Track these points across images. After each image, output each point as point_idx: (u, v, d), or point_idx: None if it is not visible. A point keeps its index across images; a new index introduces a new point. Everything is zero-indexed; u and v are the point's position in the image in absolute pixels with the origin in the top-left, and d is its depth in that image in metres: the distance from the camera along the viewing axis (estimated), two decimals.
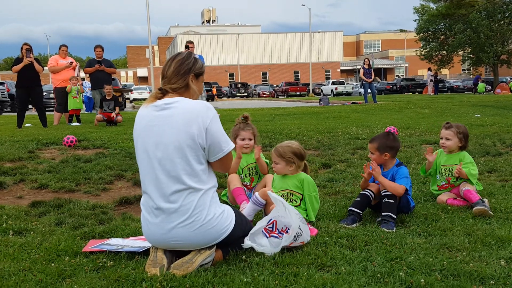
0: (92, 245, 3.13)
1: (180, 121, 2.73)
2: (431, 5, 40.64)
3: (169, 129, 2.75)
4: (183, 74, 2.88)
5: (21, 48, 11.21)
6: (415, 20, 50.31)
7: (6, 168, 6.02)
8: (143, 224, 2.88)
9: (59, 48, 12.99)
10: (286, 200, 3.53)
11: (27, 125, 12.22)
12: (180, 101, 2.80)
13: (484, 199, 4.05)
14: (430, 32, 50.29)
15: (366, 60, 21.47)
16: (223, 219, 2.86)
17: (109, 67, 12.73)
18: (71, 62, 12.77)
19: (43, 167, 6.23)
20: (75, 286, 2.49)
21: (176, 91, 2.87)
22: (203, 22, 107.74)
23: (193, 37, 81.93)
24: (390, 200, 3.64)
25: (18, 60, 11.22)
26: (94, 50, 12.88)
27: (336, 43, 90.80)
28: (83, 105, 19.86)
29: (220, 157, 2.84)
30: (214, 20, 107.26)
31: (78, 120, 13.03)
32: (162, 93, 2.87)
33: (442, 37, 50.36)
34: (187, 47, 12.05)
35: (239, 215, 3.04)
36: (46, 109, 19.92)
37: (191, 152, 2.74)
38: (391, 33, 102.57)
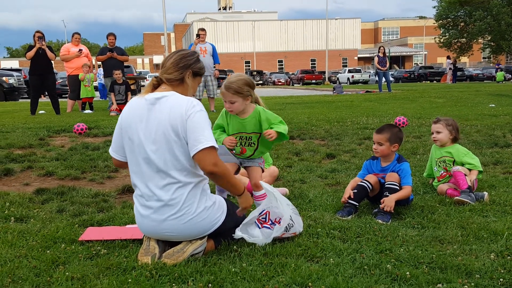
0: (89, 233, 3.20)
1: (167, 116, 2.75)
2: None
3: (156, 125, 2.77)
4: (182, 67, 2.91)
5: (34, 35, 11.37)
6: (434, 7, 49.55)
7: (16, 155, 6.14)
8: (136, 216, 2.93)
9: (72, 36, 13.10)
10: (245, 145, 3.55)
11: (40, 112, 12.39)
12: (170, 95, 2.83)
13: (484, 192, 4.05)
14: (449, 19, 49.44)
15: (381, 48, 21.25)
16: (214, 211, 2.90)
17: (121, 55, 12.80)
18: (80, 50, 12.85)
19: (51, 154, 6.34)
20: (67, 273, 2.56)
21: (170, 82, 2.90)
22: (220, 9, 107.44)
23: (209, 24, 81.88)
24: (390, 195, 3.64)
25: (31, 47, 11.38)
26: (107, 38, 12.98)
27: (354, 30, 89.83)
28: (98, 92, 20.06)
29: (197, 150, 2.69)
30: (231, 7, 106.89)
31: (91, 108, 13.17)
32: (157, 81, 2.92)
33: (462, 24, 49.49)
34: (197, 35, 12.03)
35: (231, 206, 3.08)
36: (62, 95, 20.25)
37: (177, 146, 2.76)
38: (410, 20, 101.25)
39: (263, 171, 3.86)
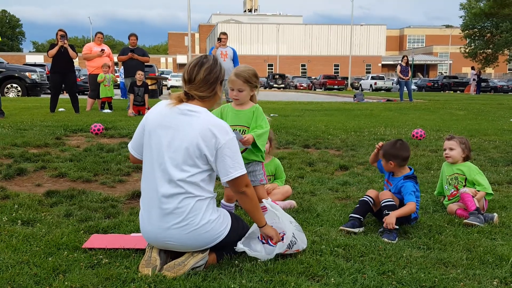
0: (92, 241, 3.22)
1: (196, 134, 2.77)
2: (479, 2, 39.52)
3: (182, 137, 2.78)
4: (212, 83, 2.91)
5: (56, 34, 11.52)
6: (461, 17, 49.08)
7: (30, 154, 6.22)
8: (141, 221, 2.94)
9: (95, 35, 13.25)
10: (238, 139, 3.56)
11: (60, 109, 12.55)
12: (203, 113, 2.84)
13: (494, 214, 3.98)
14: (476, 30, 48.96)
15: (405, 57, 21.08)
16: (218, 224, 2.90)
17: (142, 56, 12.89)
18: (102, 50, 12.99)
19: (65, 155, 6.41)
20: (66, 282, 2.57)
21: (203, 99, 2.91)
22: (245, 11, 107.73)
23: (233, 25, 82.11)
24: (390, 212, 3.60)
25: (53, 45, 11.53)
26: (129, 39, 13.07)
27: (379, 37, 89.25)
28: (120, 90, 20.24)
29: (233, 177, 2.83)
30: (256, 9, 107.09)
31: (110, 107, 13.29)
32: (188, 98, 2.90)
33: (488, 35, 48.95)
34: (219, 39, 12.07)
35: (235, 220, 3.07)
36: (84, 92, 20.46)
37: (196, 163, 2.79)
38: (436, 29, 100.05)
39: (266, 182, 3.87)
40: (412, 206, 3.69)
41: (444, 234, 3.59)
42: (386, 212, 3.60)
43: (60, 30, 11.56)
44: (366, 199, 3.82)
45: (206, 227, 2.83)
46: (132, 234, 3.41)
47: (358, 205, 3.82)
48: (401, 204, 3.74)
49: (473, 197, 4.02)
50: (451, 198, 4.32)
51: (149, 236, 2.88)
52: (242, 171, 2.86)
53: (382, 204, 3.68)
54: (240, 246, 2.99)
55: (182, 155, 2.77)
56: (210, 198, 2.90)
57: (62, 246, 3.13)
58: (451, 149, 4.33)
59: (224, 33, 12.40)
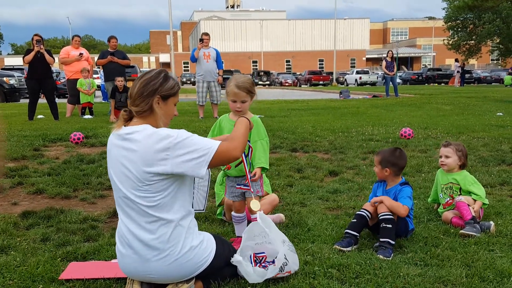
0: (70, 270, 3.02)
1: (138, 158, 2.53)
2: None
3: (128, 165, 2.56)
4: (147, 96, 2.62)
5: (32, 39, 11.19)
6: (443, 8, 49.25)
7: (7, 169, 5.98)
8: (118, 256, 2.73)
9: (72, 39, 12.94)
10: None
11: (39, 116, 12.25)
12: (140, 131, 2.57)
13: (490, 222, 3.84)
14: (458, 21, 49.13)
15: (390, 52, 21.01)
16: (201, 251, 2.70)
17: (122, 59, 12.59)
18: (81, 54, 12.69)
19: (44, 168, 6.17)
20: None
21: (139, 114, 2.64)
22: (227, 7, 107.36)
23: (216, 22, 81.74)
24: (387, 225, 3.44)
25: (29, 51, 11.18)
26: (108, 41, 12.76)
27: (363, 31, 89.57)
28: (101, 93, 19.92)
29: (208, 162, 2.56)
30: (239, 5, 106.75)
31: (91, 113, 13.01)
32: (128, 115, 2.66)
33: (471, 26, 49.16)
34: (201, 40, 11.84)
35: (221, 244, 2.87)
36: (66, 95, 20.08)
37: (150, 186, 2.55)
38: (419, 21, 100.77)
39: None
40: (401, 208, 3.54)
41: (441, 247, 3.43)
42: (384, 225, 3.44)
43: (35, 35, 11.21)
44: (364, 214, 3.63)
45: (188, 255, 2.63)
46: (113, 261, 3.20)
47: (354, 220, 3.62)
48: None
49: (468, 206, 3.88)
50: (446, 207, 4.17)
51: (128, 270, 2.68)
52: (211, 149, 2.57)
53: (380, 218, 3.51)
54: (237, 258, 2.79)
55: (133, 184, 2.56)
56: (188, 220, 2.68)
57: (38, 278, 2.92)
58: (447, 156, 4.18)
59: (206, 34, 12.16)
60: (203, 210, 4.00)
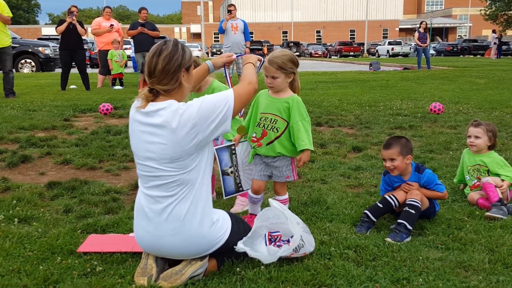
0: (88, 243, 3.06)
1: (167, 134, 2.52)
2: None
3: (157, 142, 2.54)
4: (174, 72, 2.56)
5: (69, 9, 11.35)
6: None
7: (37, 139, 6.09)
8: (135, 228, 2.75)
9: (103, 10, 12.98)
10: (267, 128, 3.34)
11: (72, 87, 12.41)
12: (167, 107, 2.54)
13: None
14: None
15: (423, 23, 20.37)
16: (217, 229, 2.70)
17: (152, 30, 12.59)
18: (112, 25, 12.74)
19: (72, 138, 6.27)
20: None
21: (169, 92, 2.61)
22: None
23: None
24: (411, 210, 3.31)
25: (62, 22, 11.32)
26: (139, 12, 12.78)
27: (396, 0, 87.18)
28: (131, 64, 20.02)
29: (230, 115, 2.62)
30: None
31: (121, 84, 13.11)
32: (154, 95, 2.60)
33: None
34: (229, 11, 11.72)
35: (236, 223, 2.86)
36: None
37: (178, 163, 2.55)
38: None
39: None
40: (444, 194, 3.56)
41: (464, 230, 3.35)
42: (407, 210, 3.33)
43: (72, 6, 11.38)
44: (391, 202, 3.49)
45: (204, 232, 2.63)
46: (131, 234, 3.23)
47: (380, 205, 3.48)
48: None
49: (496, 187, 3.76)
50: (473, 189, 4.04)
51: (144, 243, 2.70)
52: (230, 98, 2.63)
53: (407, 202, 3.39)
54: (240, 246, 2.77)
55: (162, 162, 2.55)
56: (205, 196, 2.66)
57: (57, 250, 2.97)
58: (476, 137, 4.01)
59: (233, 5, 12.03)
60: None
